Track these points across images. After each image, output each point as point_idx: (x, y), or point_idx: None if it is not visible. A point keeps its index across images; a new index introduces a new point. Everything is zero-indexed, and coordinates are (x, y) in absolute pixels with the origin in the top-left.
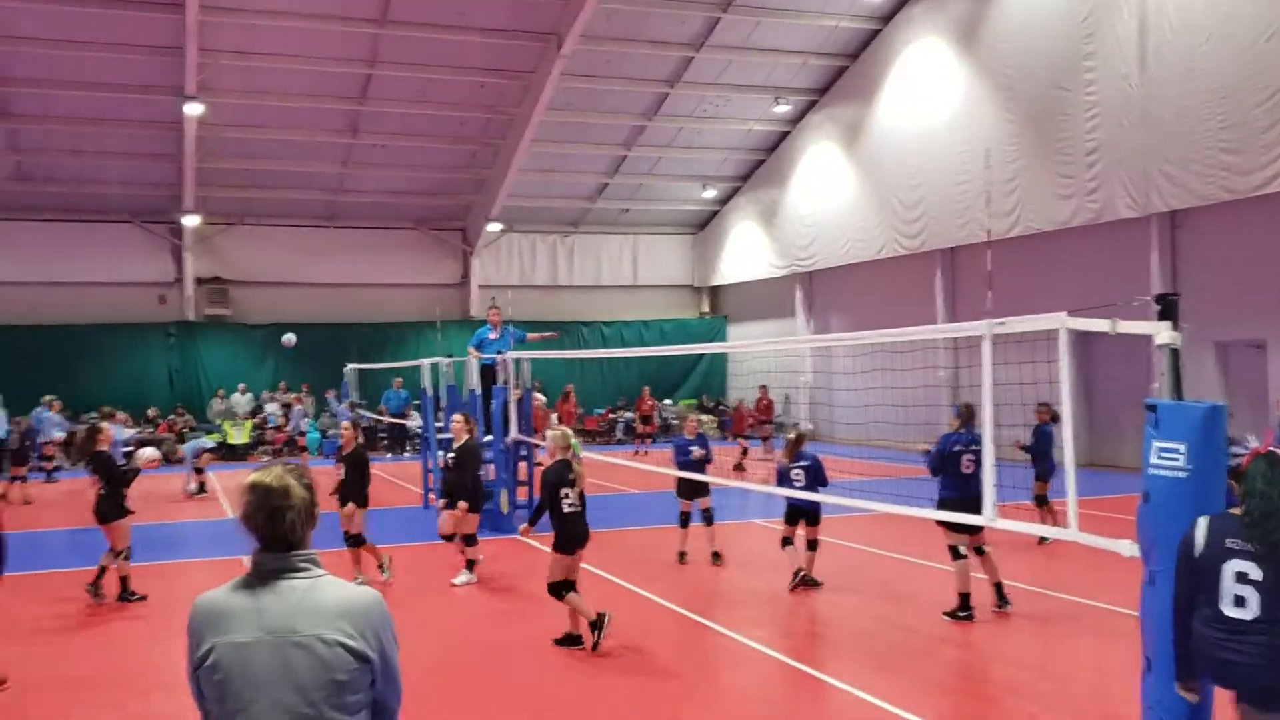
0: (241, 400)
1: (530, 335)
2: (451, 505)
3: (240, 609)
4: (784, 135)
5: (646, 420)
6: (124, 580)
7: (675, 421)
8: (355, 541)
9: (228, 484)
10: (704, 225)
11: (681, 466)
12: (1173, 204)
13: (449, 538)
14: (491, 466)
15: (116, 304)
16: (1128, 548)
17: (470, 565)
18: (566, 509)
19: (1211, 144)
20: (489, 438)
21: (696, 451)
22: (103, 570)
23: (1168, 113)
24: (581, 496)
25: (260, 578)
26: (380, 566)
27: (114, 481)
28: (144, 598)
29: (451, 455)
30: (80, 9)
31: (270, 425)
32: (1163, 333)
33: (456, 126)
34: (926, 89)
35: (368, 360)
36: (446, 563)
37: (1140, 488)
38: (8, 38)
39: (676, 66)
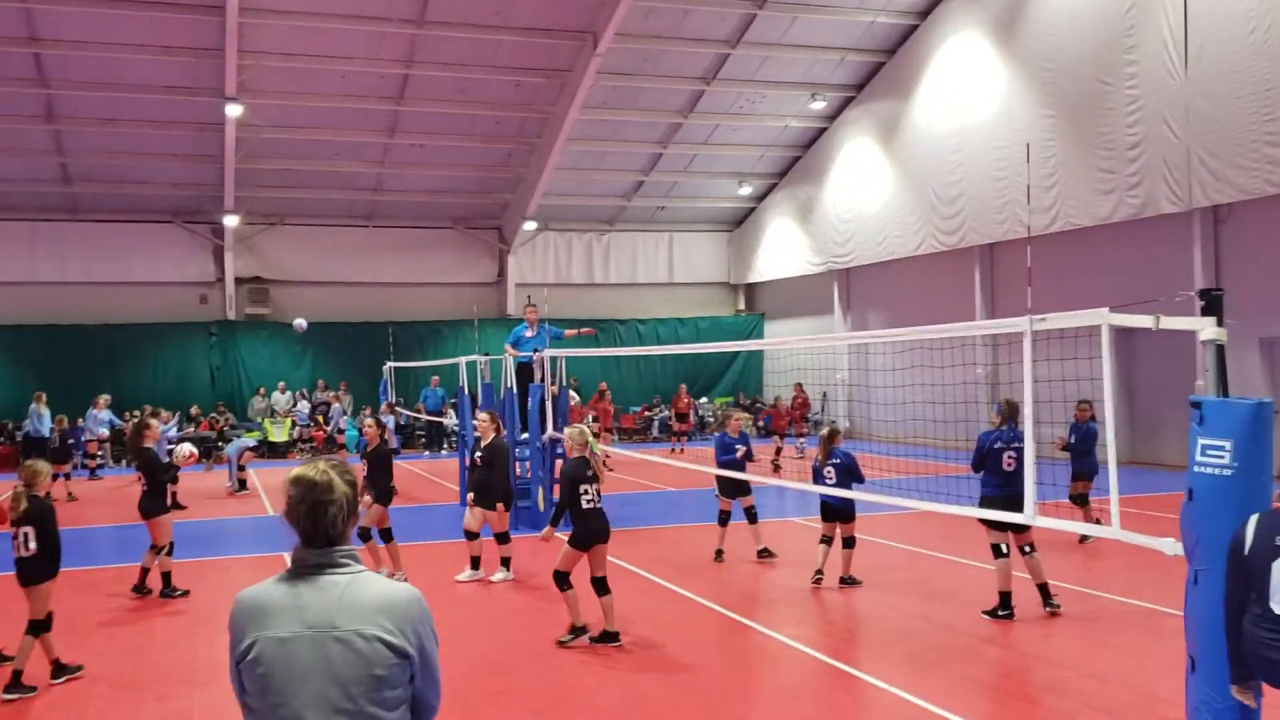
0: (281, 399)
1: (566, 333)
2: (479, 502)
3: (281, 604)
4: (821, 131)
5: (682, 418)
6: (166, 576)
7: (711, 419)
8: (385, 536)
9: (268, 481)
10: (740, 222)
11: (725, 465)
12: (1215, 198)
13: (473, 535)
14: (527, 464)
15: (159, 304)
16: (1170, 546)
17: (505, 563)
18: (585, 504)
19: (1256, 137)
20: (525, 435)
21: (740, 450)
22: (145, 571)
23: (1210, 106)
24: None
25: (301, 573)
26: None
27: (156, 478)
28: (186, 593)
29: (480, 454)
30: (122, 12)
31: (302, 424)
32: (1207, 329)
33: (493, 126)
34: (965, 84)
35: (406, 359)
36: (481, 560)
37: (1184, 485)
38: (52, 41)
39: (713, 63)
